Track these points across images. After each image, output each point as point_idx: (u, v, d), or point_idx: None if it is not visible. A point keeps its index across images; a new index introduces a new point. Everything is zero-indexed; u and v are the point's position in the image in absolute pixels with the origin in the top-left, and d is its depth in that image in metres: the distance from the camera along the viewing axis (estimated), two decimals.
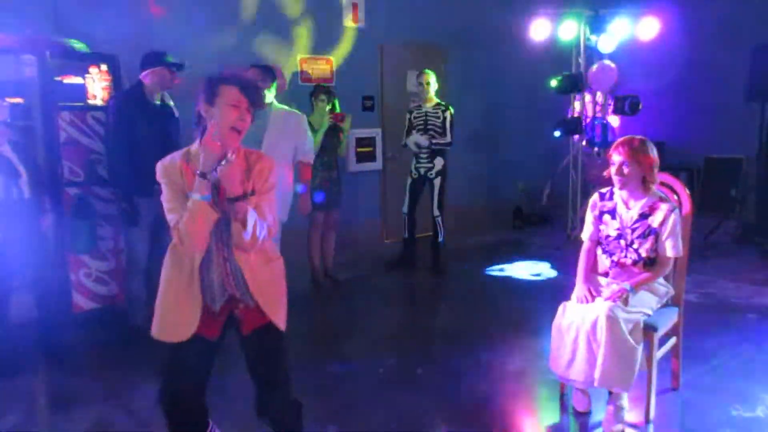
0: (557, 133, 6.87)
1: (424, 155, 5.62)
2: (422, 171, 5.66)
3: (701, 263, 5.53)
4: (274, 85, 4.57)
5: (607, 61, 6.59)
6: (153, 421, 3.04)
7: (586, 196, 7.20)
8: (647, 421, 2.96)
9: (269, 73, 4.54)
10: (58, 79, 4.09)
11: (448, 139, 5.58)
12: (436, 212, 5.67)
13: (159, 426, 2.99)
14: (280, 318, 2.30)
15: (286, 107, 4.66)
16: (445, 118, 5.55)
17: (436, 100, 5.63)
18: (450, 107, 5.61)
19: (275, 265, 2.33)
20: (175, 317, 2.24)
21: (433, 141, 5.55)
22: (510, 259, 6.33)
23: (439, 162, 5.63)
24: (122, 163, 3.92)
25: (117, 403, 3.28)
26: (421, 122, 5.60)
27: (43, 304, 3.89)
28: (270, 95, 4.48)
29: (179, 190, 2.18)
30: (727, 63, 7.07)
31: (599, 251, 3.12)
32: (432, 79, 5.58)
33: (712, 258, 5.86)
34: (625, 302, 2.84)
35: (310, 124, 5.21)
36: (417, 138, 5.58)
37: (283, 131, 4.42)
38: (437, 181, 5.64)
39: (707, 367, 3.56)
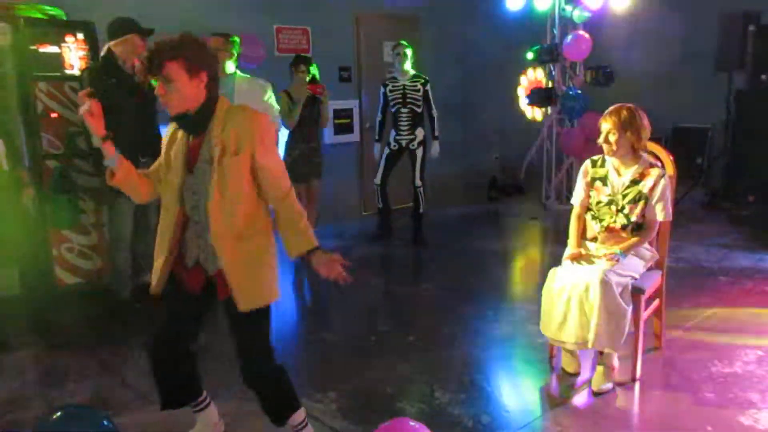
0: (525, 100, 6.94)
1: (405, 128, 5.61)
2: (403, 143, 5.62)
3: (672, 229, 5.70)
4: (236, 54, 4.52)
5: (581, 32, 6.66)
6: (150, 393, 3.06)
7: (560, 166, 7.35)
8: (633, 379, 3.09)
9: (230, 42, 4.48)
10: (33, 48, 3.95)
11: (436, 114, 5.60)
12: (419, 182, 5.68)
13: (156, 397, 3.03)
14: (248, 297, 2.21)
15: (248, 76, 4.61)
16: (426, 92, 5.53)
17: (412, 72, 5.59)
18: (428, 80, 5.58)
19: (254, 242, 2.23)
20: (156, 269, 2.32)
21: (435, 135, 5.62)
22: (488, 229, 6.44)
23: (420, 133, 5.61)
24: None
25: (111, 377, 3.26)
26: (399, 95, 5.53)
27: (27, 280, 3.83)
28: (231, 64, 4.43)
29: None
30: (695, 32, 7.22)
31: (588, 217, 3.20)
32: (409, 52, 5.53)
33: (682, 224, 6.03)
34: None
35: (289, 94, 5.17)
36: (435, 151, 5.64)
37: (248, 100, 4.36)
38: (419, 152, 5.63)
39: (686, 328, 3.72)
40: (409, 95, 5.51)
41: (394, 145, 5.67)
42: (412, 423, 2.20)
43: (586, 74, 6.84)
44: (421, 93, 5.52)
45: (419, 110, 5.55)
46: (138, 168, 2.40)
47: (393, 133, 5.67)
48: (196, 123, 2.19)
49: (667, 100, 7.59)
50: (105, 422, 2.18)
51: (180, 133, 2.26)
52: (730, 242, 5.56)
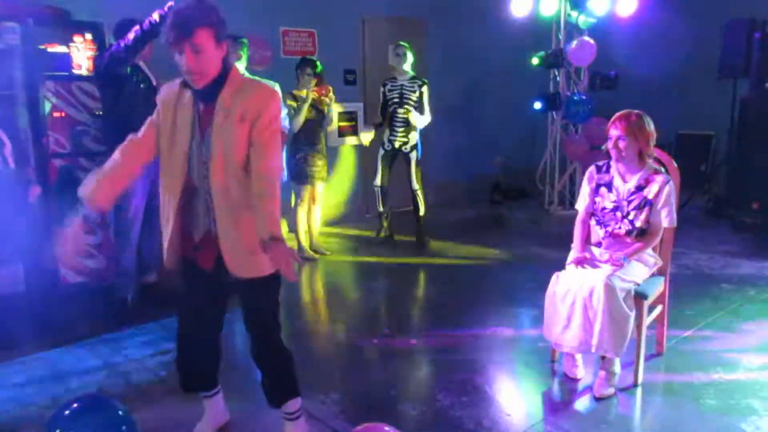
0: (538, 105, 6.93)
1: (400, 128, 5.61)
2: (396, 144, 5.62)
3: (675, 235, 5.71)
4: (245, 56, 4.56)
5: (586, 38, 6.68)
6: (152, 391, 3.09)
7: (564, 171, 7.36)
8: (635, 384, 3.09)
9: (239, 43, 4.51)
10: (42, 47, 3.98)
11: (428, 117, 5.57)
12: (416, 186, 5.68)
13: (159, 395, 3.06)
14: (245, 265, 2.22)
15: (256, 78, 4.62)
16: (422, 93, 5.52)
17: (411, 73, 5.59)
18: (426, 82, 5.59)
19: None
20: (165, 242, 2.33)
21: (418, 126, 5.55)
22: (490, 233, 6.45)
23: (413, 136, 5.60)
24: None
25: (114, 374, 3.28)
26: (396, 95, 5.53)
27: (31, 277, 3.85)
28: (241, 66, 4.45)
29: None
30: (700, 39, 7.24)
31: (593, 222, 3.21)
32: (408, 52, 5.54)
33: (685, 231, 6.03)
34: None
35: (294, 96, 5.20)
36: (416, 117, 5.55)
37: None
38: (413, 155, 5.62)
39: (688, 334, 3.72)
40: (406, 95, 5.52)
41: (387, 146, 5.66)
42: (387, 428, 2.18)
43: (591, 79, 6.87)
44: (417, 94, 5.52)
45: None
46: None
47: (387, 132, 5.66)
48: (209, 92, 2.16)
49: (672, 106, 7.61)
50: (120, 412, 2.22)
51: (187, 97, 2.20)
52: (733, 249, 5.56)
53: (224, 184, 2.16)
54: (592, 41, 6.65)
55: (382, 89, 5.66)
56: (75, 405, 2.17)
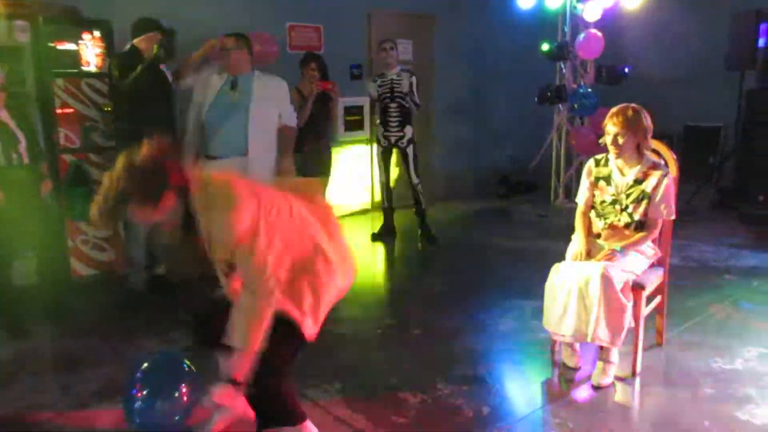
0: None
1: (394, 124, 5.63)
2: (392, 140, 5.62)
3: (681, 228, 5.63)
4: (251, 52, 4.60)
5: (593, 30, 6.68)
6: None
7: (570, 164, 7.37)
8: (634, 374, 3.13)
9: (244, 39, 4.55)
10: (51, 45, 4.06)
11: (418, 101, 5.58)
12: (416, 180, 5.69)
13: None
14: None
15: (266, 74, 4.68)
16: (411, 83, 5.53)
17: (399, 67, 5.61)
18: (413, 73, 5.61)
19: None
20: None
21: (405, 104, 5.55)
22: (496, 226, 6.49)
23: (409, 130, 5.61)
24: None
25: (124, 364, 3.35)
26: (387, 89, 5.54)
27: (43, 270, 3.95)
28: (248, 63, 4.49)
29: None
30: (707, 31, 7.21)
31: (592, 214, 3.25)
32: (394, 47, 5.55)
33: (691, 223, 6.05)
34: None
35: (300, 91, 5.25)
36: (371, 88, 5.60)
37: (267, 98, 4.44)
38: (410, 150, 5.63)
39: (689, 325, 3.75)
40: (396, 88, 5.52)
41: (384, 142, 5.67)
42: None
43: (598, 71, 6.87)
44: (407, 84, 5.51)
45: (407, 105, 5.58)
46: None
47: (381, 129, 5.67)
48: None
49: (679, 98, 7.60)
50: (185, 364, 2.42)
51: None
52: (738, 241, 5.56)
53: None
54: (599, 34, 6.64)
55: (372, 84, 5.66)
56: (153, 358, 2.46)
